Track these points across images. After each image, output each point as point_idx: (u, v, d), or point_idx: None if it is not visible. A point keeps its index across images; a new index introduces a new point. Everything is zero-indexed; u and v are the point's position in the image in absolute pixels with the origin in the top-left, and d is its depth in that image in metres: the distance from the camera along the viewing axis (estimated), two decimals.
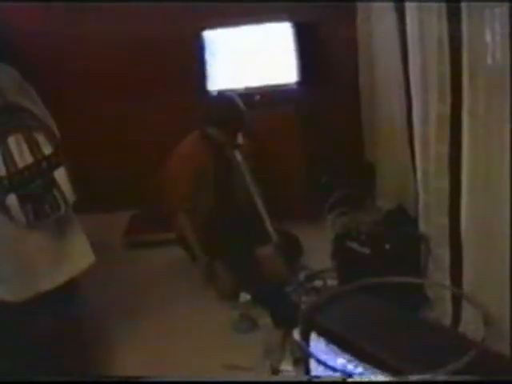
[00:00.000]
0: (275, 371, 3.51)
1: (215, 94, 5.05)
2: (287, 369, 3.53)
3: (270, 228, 4.34)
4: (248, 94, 5.31)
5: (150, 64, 5.65)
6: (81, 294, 3.62)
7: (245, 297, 4.25)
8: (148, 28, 5.47)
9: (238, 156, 4.42)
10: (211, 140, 4.33)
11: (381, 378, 2.38)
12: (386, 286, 2.94)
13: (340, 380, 2.56)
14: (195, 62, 5.39)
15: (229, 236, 4.25)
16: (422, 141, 3.62)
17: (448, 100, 3.21)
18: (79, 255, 3.40)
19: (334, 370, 2.67)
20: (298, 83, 5.39)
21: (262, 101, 5.37)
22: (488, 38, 2.60)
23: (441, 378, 2.15)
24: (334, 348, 2.65)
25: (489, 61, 2.65)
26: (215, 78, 5.45)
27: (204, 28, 5.34)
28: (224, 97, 4.52)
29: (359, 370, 2.52)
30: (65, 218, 3.31)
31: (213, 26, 5.34)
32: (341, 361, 2.61)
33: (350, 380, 2.52)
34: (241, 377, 3.51)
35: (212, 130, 4.30)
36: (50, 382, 3.10)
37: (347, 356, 2.58)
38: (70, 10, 5.43)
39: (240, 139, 4.40)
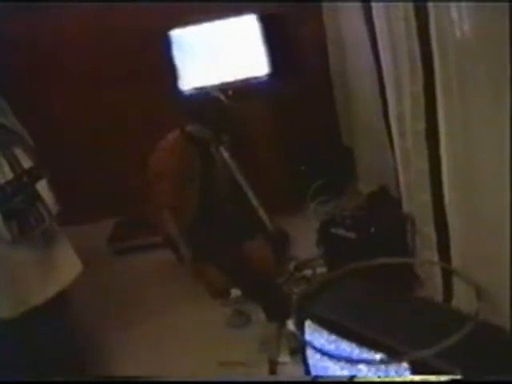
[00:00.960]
0: (273, 364, 3.50)
1: (199, 91, 5.00)
2: (285, 360, 3.53)
3: (264, 217, 4.35)
4: (220, 90, 5.29)
5: (121, 68, 5.62)
6: (72, 305, 3.60)
7: (236, 293, 4.25)
8: (113, 29, 5.42)
9: (225, 153, 4.42)
10: (194, 137, 4.30)
11: (378, 359, 2.38)
12: (375, 268, 2.95)
13: (342, 380, 2.56)
14: (164, 62, 5.34)
15: (215, 233, 4.23)
16: (398, 120, 3.62)
17: (420, 78, 3.21)
18: (67, 265, 3.38)
19: (331, 356, 2.67)
20: (270, 75, 5.37)
21: (234, 95, 5.35)
22: (454, 13, 2.59)
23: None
24: (330, 334, 2.64)
25: (457, 36, 2.65)
26: (186, 77, 5.42)
27: (170, 27, 5.29)
28: (209, 94, 4.47)
29: (356, 353, 2.52)
30: (49, 230, 3.29)
31: (179, 24, 5.30)
32: (337, 346, 2.61)
33: (352, 380, 2.52)
34: (239, 372, 3.50)
35: (196, 128, 4.26)
36: (49, 382, 3.09)
37: (344, 341, 2.58)
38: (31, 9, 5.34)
39: (225, 136, 4.39)
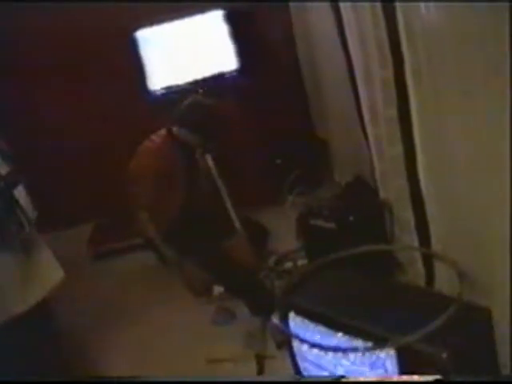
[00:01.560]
0: (260, 359, 3.51)
1: (168, 91, 4.93)
2: (272, 354, 3.53)
3: (234, 217, 4.35)
4: (190, 88, 5.28)
5: (89, 71, 5.58)
6: (55, 311, 3.59)
7: (219, 289, 4.26)
8: (77, 31, 5.38)
9: (210, 161, 4.43)
10: (181, 141, 4.25)
11: (364, 346, 2.39)
12: (356, 257, 2.96)
13: (340, 380, 2.57)
14: (133, 63, 5.32)
15: (195, 233, 4.21)
16: (370, 108, 3.63)
17: (390, 64, 3.22)
18: (48, 272, 3.36)
19: (317, 347, 2.68)
20: (239, 70, 5.38)
21: (205, 93, 5.34)
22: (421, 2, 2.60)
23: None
24: (315, 325, 2.65)
25: (425, 23, 2.66)
26: (155, 77, 5.41)
27: (137, 28, 5.27)
28: (204, 101, 4.40)
29: (342, 342, 2.53)
30: (29, 237, 3.27)
31: (145, 24, 5.28)
32: (323, 336, 2.62)
33: (346, 380, 2.53)
34: (227, 369, 3.50)
35: (184, 132, 4.20)
36: (49, 382, 3.08)
37: (328, 330, 2.59)
38: None
39: (211, 143, 4.36)
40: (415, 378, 2.27)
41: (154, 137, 4.28)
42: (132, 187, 4.13)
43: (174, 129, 4.23)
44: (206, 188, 4.57)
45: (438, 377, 2.18)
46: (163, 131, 4.29)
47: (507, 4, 1.80)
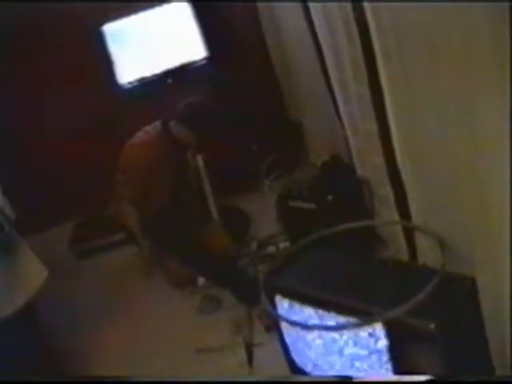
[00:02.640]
0: (249, 346, 3.51)
1: (138, 83, 4.84)
2: (260, 341, 3.54)
3: (211, 206, 4.34)
4: (159, 80, 5.26)
5: (56, 68, 5.50)
6: (40, 312, 3.58)
7: (202, 279, 4.25)
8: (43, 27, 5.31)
9: (200, 162, 4.42)
10: (175, 137, 4.21)
11: (352, 323, 2.39)
12: (338, 235, 2.97)
13: (342, 380, 2.58)
14: (100, 58, 5.28)
15: (174, 228, 4.20)
16: (341, 86, 3.63)
17: (358, 42, 3.21)
18: (32, 272, 3.35)
19: (305, 327, 2.69)
20: (208, 58, 5.35)
21: (174, 83, 5.32)
22: None
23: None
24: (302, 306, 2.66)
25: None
26: (124, 70, 5.37)
27: (102, 23, 5.22)
28: (207, 103, 4.35)
29: (330, 321, 2.54)
30: (9, 238, 3.25)
31: (111, 18, 5.23)
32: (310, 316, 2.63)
33: (351, 380, 2.54)
34: (216, 358, 3.50)
35: (181, 129, 4.16)
36: (49, 382, 3.08)
37: (315, 310, 2.59)
38: None
39: (205, 145, 4.34)
40: (415, 378, 2.30)
41: (148, 128, 4.24)
42: (121, 177, 4.11)
43: (171, 123, 4.19)
44: (191, 185, 4.56)
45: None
46: (158, 124, 4.25)
47: None
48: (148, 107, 5.02)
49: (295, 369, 2.96)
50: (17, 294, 3.19)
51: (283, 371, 3.04)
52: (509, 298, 2.21)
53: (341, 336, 2.54)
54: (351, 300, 2.54)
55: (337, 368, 2.67)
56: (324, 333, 2.61)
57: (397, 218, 3.40)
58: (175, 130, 4.17)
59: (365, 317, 2.37)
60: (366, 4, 2.79)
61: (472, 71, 1.96)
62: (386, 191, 3.47)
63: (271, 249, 4.46)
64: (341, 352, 2.59)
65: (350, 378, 2.58)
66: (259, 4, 5.47)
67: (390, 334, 2.38)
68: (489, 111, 1.94)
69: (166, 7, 5.24)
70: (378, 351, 2.45)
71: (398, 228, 3.46)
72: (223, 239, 4.40)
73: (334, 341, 2.59)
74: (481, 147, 2.07)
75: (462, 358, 2.43)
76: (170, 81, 5.32)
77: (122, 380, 3.39)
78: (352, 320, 2.43)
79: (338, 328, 2.51)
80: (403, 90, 2.65)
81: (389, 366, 2.45)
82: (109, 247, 5.21)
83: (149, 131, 4.22)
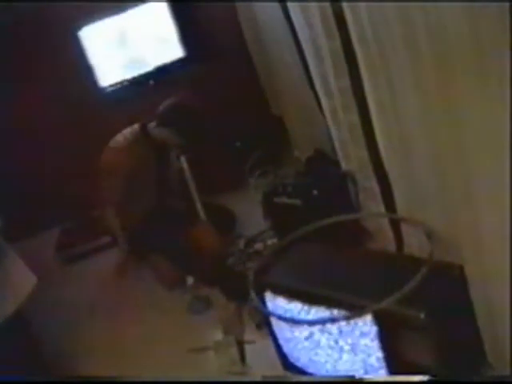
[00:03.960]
0: (241, 344, 3.50)
1: (120, 86, 4.79)
2: (252, 338, 3.53)
3: (198, 206, 4.34)
4: (141, 81, 5.26)
5: (37, 75, 5.47)
6: (30, 319, 3.57)
7: (192, 279, 4.24)
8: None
9: (184, 162, 4.40)
10: (155, 140, 4.17)
11: (342, 316, 2.40)
12: (324, 229, 2.97)
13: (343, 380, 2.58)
14: (80, 63, 5.26)
15: (161, 228, 4.19)
16: (322, 80, 3.63)
17: (336, 35, 3.22)
18: (21, 280, 3.34)
19: (296, 322, 2.69)
20: (186, 58, 5.36)
21: (156, 84, 5.32)
22: None
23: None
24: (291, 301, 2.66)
25: None
26: (105, 74, 5.36)
27: (80, 26, 5.21)
28: (188, 103, 4.31)
29: (320, 315, 2.54)
30: None
31: (87, 22, 5.22)
32: (300, 311, 2.63)
33: (354, 380, 2.55)
34: (208, 357, 3.49)
35: (162, 131, 4.12)
36: (49, 382, 3.06)
37: (305, 305, 2.59)
38: None
39: (189, 145, 4.29)
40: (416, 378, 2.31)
41: (126, 132, 4.20)
42: (102, 181, 4.09)
43: (150, 126, 4.16)
44: (175, 186, 4.55)
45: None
46: (136, 127, 4.21)
47: None
48: (131, 109, 5.02)
49: (288, 365, 2.96)
50: (6, 302, 3.18)
51: (276, 368, 3.04)
52: (498, 285, 2.21)
53: (332, 329, 2.54)
54: (341, 293, 2.54)
55: (329, 362, 2.67)
56: (315, 327, 2.61)
57: (383, 210, 3.41)
58: (156, 132, 4.14)
59: (355, 309, 2.38)
60: None
61: (452, 60, 1.97)
62: (371, 184, 3.48)
63: (259, 245, 4.45)
64: (332, 345, 2.59)
65: (352, 377, 2.59)
66: (238, 3, 5.47)
67: (381, 326, 2.38)
68: (472, 100, 1.94)
69: (143, 8, 5.24)
70: (370, 343, 2.45)
71: (385, 220, 3.47)
72: (212, 238, 4.39)
73: (325, 335, 2.59)
74: (465, 136, 2.08)
75: (454, 346, 2.44)
76: (151, 82, 5.33)
77: (120, 380, 3.39)
78: (342, 313, 2.43)
79: (329, 321, 2.51)
80: (384, 81, 2.66)
81: (380, 356, 2.45)
82: (95, 251, 5.20)
83: (126, 135, 4.17)
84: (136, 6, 5.21)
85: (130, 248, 4.23)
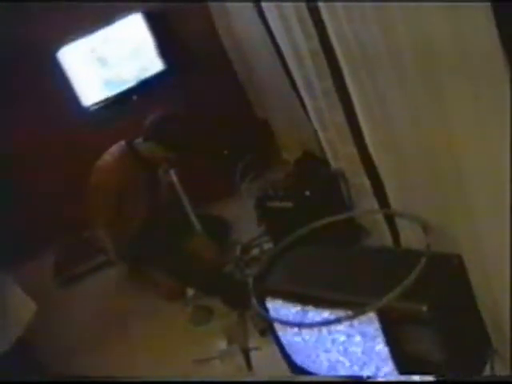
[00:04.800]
0: (246, 351, 3.50)
1: (103, 104, 4.73)
2: (256, 345, 3.53)
3: (193, 218, 4.35)
4: (124, 98, 5.25)
5: (19, 98, 5.44)
6: (34, 345, 3.57)
7: (192, 291, 4.24)
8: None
9: (174, 176, 4.39)
10: (142, 156, 4.14)
11: (345, 316, 2.39)
12: (320, 230, 2.96)
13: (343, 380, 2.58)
14: (61, 84, 5.25)
15: (157, 243, 4.17)
16: (305, 82, 3.63)
17: (314, 35, 3.22)
18: (21, 308, 3.34)
19: (300, 326, 2.68)
20: (167, 70, 5.35)
21: (140, 99, 5.31)
22: None
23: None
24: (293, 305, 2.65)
25: None
26: (87, 93, 5.35)
27: (58, 47, 5.18)
28: (173, 115, 4.28)
29: (325, 317, 2.53)
30: None
31: (64, 43, 5.20)
32: (304, 315, 2.62)
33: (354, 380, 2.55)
34: (215, 367, 3.49)
35: (149, 146, 4.09)
36: (49, 382, 3.06)
37: (307, 308, 2.59)
38: None
39: (178, 157, 4.26)
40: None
41: (113, 150, 4.17)
42: (91, 202, 4.07)
43: (136, 142, 4.14)
44: (166, 199, 4.54)
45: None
46: (122, 144, 4.18)
47: None
48: (117, 126, 5.02)
49: (295, 368, 2.96)
50: (8, 332, 3.18)
51: (282, 372, 3.04)
52: (498, 271, 2.22)
53: (336, 330, 2.54)
54: (342, 293, 2.54)
55: (336, 363, 2.67)
56: (319, 329, 2.61)
57: (376, 206, 3.41)
58: (143, 147, 4.12)
59: (357, 308, 2.37)
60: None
61: (436, 53, 1.96)
62: (362, 180, 3.48)
63: (255, 251, 4.45)
64: (338, 346, 2.59)
65: (359, 377, 2.59)
66: (213, 10, 5.47)
67: (384, 322, 2.38)
68: (459, 92, 1.94)
69: (119, 24, 5.23)
70: (374, 340, 2.45)
71: (379, 216, 3.47)
72: (209, 249, 4.39)
73: (329, 336, 2.59)
74: (453, 127, 2.08)
75: (459, 336, 2.44)
76: (134, 97, 5.32)
77: (121, 380, 3.39)
78: (345, 313, 2.42)
79: (332, 322, 2.50)
80: (367, 78, 2.65)
81: (387, 352, 2.45)
82: (93, 270, 5.19)
83: (114, 153, 4.15)
84: (112, 22, 5.19)
85: (127, 265, 4.22)
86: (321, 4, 2.80)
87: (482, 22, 1.66)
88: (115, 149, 4.18)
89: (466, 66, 1.83)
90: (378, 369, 2.54)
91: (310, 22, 3.18)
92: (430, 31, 1.91)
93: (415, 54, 2.09)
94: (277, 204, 3.98)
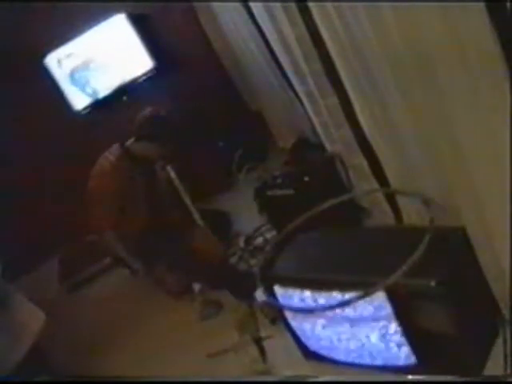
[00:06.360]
0: (258, 341, 3.50)
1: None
2: (268, 334, 3.53)
3: (194, 212, 4.34)
4: (114, 98, 5.24)
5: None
6: (46, 353, 3.57)
7: (199, 285, 4.24)
8: None
9: (172, 173, 4.38)
10: (137, 156, 4.13)
11: (355, 297, 2.40)
12: (321, 214, 2.96)
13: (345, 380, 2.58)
14: (50, 90, 5.24)
15: (160, 241, 4.17)
16: (293, 67, 3.63)
17: (299, 21, 3.22)
18: (30, 319, 3.35)
19: (310, 311, 2.69)
20: (156, 68, 5.35)
21: (130, 99, 5.31)
22: None
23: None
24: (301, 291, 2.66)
25: None
26: (77, 97, 5.35)
27: (45, 54, 5.18)
28: (165, 112, 4.27)
29: (332, 299, 2.54)
30: (0, 292, 3.24)
31: (51, 48, 5.19)
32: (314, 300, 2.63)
33: (351, 380, 2.55)
34: (230, 360, 3.49)
35: (143, 145, 4.08)
36: (49, 382, 3.07)
37: (316, 292, 2.59)
38: None
39: (172, 153, 4.25)
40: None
41: (107, 154, 4.15)
42: (93, 209, 4.05)
43: (129, 144, 4.12)
44: (166, 196, 4.53)
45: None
46: (116, 147, 4.16)
47: None
48: (109, 128, 5.01)
49: (309, 354, 2.97)
50: (19, 344, 3.19)
51: (298, 360, 3.05)
52: (502, 240, 2.22)
53: (346, 312, 2.54)
54: (349, 275, 2.55)
55: (348, 345, 2.68)
56: (329, 312, 2.61)
57: (375, 185, 3.41)
58: (137, 147, 4.11)
59: (366, 288, 2.37)
60: None
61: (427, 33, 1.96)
62: (359, 160, 3.48)
63: (259, 241, 4.46)
64: (349, 328, 2.60)
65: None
66: (196, 5, 5.46)
67: (394, 300, 2.39)
68: (453, 70, 1.94)
69: (104, 24, 5.23)
70: (385, 320, 2.46)
71: (380, 195, 3.47)
72: (213, 242, 4.39)
73: (340, 318, 2.60)
74: (448, 102, 2.07)
75: (469, 308, 2.44)
76: (124, 98, 5.31)
77: (121, 380, 3.39)
78: (354, 294, 2.42)
79: (342, 305, 2.51)
80: (356, 61, 2.65)
81: (399, 330, 2.46)
82: (97, 274, 5.20)
83: (108, 157, 4.12)
84: (97, 24, 5.19)
85: (143, 265, 4.21)
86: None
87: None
88: (110, 153, 4.16)
89: (457, 45, 1.83)
90: (391, 348, 2.55)
91: (294, 8, 3.18)
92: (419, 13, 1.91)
93: (404, 35, 2.09)
94: (276, 192, 3.98)
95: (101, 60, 5.30)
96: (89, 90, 5.37)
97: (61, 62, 5.26)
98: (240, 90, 5.84)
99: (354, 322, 2.56)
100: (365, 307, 2.47)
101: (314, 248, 2.95)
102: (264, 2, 3.47)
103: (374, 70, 2.52)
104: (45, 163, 5.53)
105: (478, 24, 1.68)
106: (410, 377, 2.46)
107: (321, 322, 2.69)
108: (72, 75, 5.30)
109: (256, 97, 5.57)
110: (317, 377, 2.52)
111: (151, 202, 4.28)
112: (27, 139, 5.44)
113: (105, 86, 5.36)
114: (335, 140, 3.68)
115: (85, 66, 5.31)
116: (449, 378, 2.35)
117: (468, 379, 2.31)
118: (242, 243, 4.55)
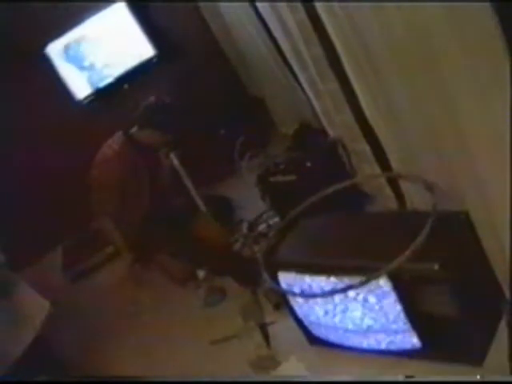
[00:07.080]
0: (262, 327, 3.51)
1: (97, 94, 4.68)
2: (272, 319, 3.54)
3: (197, 199, 4.34)
4: (116, 87, 5.24)
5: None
6: (50, 341, 3.58)
7: (203, 273, 4.25)
8: None
9: (175, 160, 4.37)
10: (141, 143, 4.13)
11: (358, 282, 2.40)
12: (324, 200, 2.96)
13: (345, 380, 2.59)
14: (52, 80, 5.23)
15: (163, 228, 4.17)
16: (295, 52, 3.62)
17: (299, 6, 3.21)
18: (34, 308, 3.35)
19: (314, 296, 2.70)
20: (158, 55, 5.34)
21: (131, 87, 5.30)
22: None
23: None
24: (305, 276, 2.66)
25: None
26: (79, 86, 5.34)
27: (45, 44, 5.17)
28: (167, 99, 4.25)
29: (336, 284, 2.54)
30: (4, 281, 3.24)
31: (53, 37, 5.18)
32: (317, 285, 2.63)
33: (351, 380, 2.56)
34: (234, 345, 3.50)
35: (146, 133, 4.07)
36: (49, 382, 3.08)
37: (320, 277, 2.60)
38: None
39: (174, 140, 4.24)
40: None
41: (110, 142, 4.14)
42: (96, 197, 4.05)
43: (133, 131, 4.11)
44: (169, 184, 4.53)
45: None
46: (120, 135, 4.16)
47: None
48: (112, 116, 5.00)
49: (313, 339, 2.98)
50: (24, 332, 3.20)
51: (301, 344, 3.06)
52: (505, 223, 2.22)
53: (350, 297, 2.55)
54: (352, 260, 2.55)
55: (352, 330, 2.69)
56: (333, 297, 2.62)
57: (378, 170, 3.40)
58: (141, 135, 4.10)
59: (369, 273, 2.38)
60: None
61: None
62: (362, 145, 3.47)
63: (262, 227, 4.46)
64: (353, 313, 2.61)
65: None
66: None
67: (398, 285, 2.39)
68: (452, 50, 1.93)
69: (105, 12, 5.21)
70: (389, 304, 2.47)
71: (383, 180, 3.47)
72: (216, 229, 4.39)
73: (344, 303, 2.60)
74: (449, 85, 2.07)
75: (472, 291, 2.44)
76: (125, 86, 5.30)
77: (121, 380, 3.41)
78: (357, 279, 2.43)
79: (346, 290, 2.51)
80: (358, 46, 2.64)
81: (403, 315, 2.47)
82: (101, 263, 5.21)
83: (112, 145, 4.11)
84: (95, 13, 5.17)
85: (135, 254, 4.22)
86: None
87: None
88: (113, 140, 4.15)
89: (458, 31, 1.82)
90: (395, 333, 2.56)
91: None
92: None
93: (406, 20, 2.08)
94: (279, 178, 3.98)
95: (101, 48, 5.29)
96: (89, 79, 5.36)
97: (61, 51, 5.25)
98: (241, 76, 5.83)
99: (357, 306, 2.56)
100: (368, 292, 2.47)
101: (317, 234, 2.96)
102: None
103: (375, 55, 2.51)
104: (48, 153, 5.53)
105: (479, 11, 1.67)
106: (408, 377, 2.46)
107: (324, 306, 2.69)
108: (73, 64, 5.30)
109: (257, 83, 5.56)
110: (317, 377, 2.56)
111: (154, 190, 4.27)
112: (30, 129, 5.44)
113: (106, 74, 5.35)
114: (337, 125, 3.68)
115: (86, 54, 5.30)
116: (449, 378, 2.37)
117: (468, 379, 2.32)
118: (245, 229, 4.55)
